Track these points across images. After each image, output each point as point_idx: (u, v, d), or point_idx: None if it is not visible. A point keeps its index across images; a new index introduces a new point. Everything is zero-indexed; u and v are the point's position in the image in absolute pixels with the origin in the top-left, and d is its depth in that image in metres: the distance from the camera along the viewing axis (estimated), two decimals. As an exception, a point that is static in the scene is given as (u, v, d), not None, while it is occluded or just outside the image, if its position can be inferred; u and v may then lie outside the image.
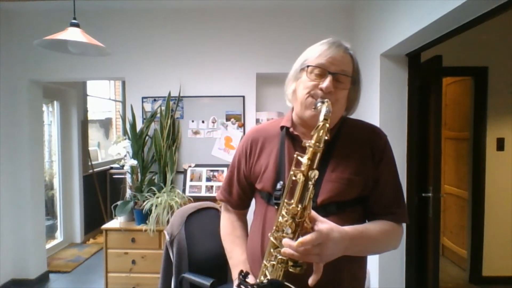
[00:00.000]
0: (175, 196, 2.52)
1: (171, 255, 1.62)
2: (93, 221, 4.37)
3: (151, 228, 2.41)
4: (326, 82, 0.87)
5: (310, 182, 0.74)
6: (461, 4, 1.35)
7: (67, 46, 1.92)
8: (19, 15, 2.93)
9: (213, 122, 2.96)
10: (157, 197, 2.49)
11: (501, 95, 3.00)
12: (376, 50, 2.28)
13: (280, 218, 0.78)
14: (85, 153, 4.33)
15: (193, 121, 2.97)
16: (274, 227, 0.80)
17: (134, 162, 2.65)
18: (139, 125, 2.89)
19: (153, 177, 2.83)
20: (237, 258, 1.01)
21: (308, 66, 0.91)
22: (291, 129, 0.96)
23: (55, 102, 3.97)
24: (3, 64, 2.95)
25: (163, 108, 2.88)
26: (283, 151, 0.95)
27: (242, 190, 1.07)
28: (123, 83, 4.45)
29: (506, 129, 3.03)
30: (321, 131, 0.76)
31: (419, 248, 2.23)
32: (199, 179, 2.90)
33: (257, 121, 2.94)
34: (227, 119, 2.95)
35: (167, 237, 1.64)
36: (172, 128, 2.88)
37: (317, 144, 0.75)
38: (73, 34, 1.76)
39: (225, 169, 2.91)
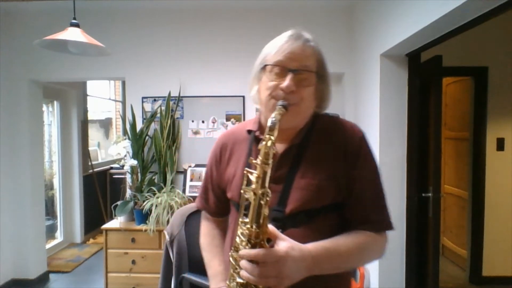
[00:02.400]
0: (175, 196, 2.52)
1: (171, 255, 1.62)
2: (93, 221, 4.37)
3: (151, 228, 2.41)
4: (286, 81, 0.80)
5: (262, 202, 0.68)
6: (461, 4, 1.35)
7: (67, 46, 1.92)
8: (19, 15, 2.93)
9: (213, 122, 2.96)
10: (157, 197, 2.49)
11: (501, 95, 3.00)
12: (376, 50, 2.28)
13: (237, 238, 0.73)
14: (85, 153, 4.33)
15: (193, 121, 2.97)
16: (232, 247, 0.75)
17: (134, 162, 2.65)
18: (139, 125, 2.89)
19: (153, 177, 2.83)
20: (214, 269, 0.96)
21: (266, 66, 0.84)
22: (257, 133, 0.90)
23: (55, 102, 3.97)
24: (3, 64, 2.95)
25: (163, 108, 2.88)
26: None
27: (217, 198, 1.00)
28: (123, 83, 4.45)
29: (506, 129, 3.02)
30: (267, 146, 0.69)
31: (419, 248, 2.23)
32: (199, 179, 2.90)
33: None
34: (227, 119, 2.95)
35: (167, 237, 1.64)
36: (172, 128, 2.88)
37: (264, 161, 0.68)
38: (73, 34, 1.76)
39: (225, 169, 2.91)
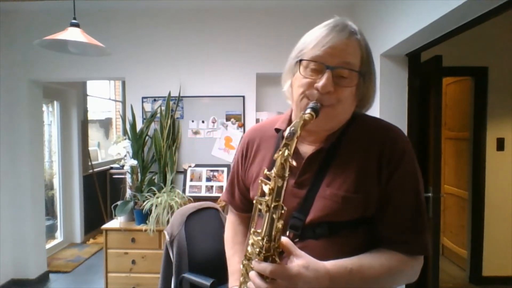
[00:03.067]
0: (175, 196, 2.52)
1: (171, 255, 1.62)
2: (93, 221, 4.37)
3: (151, 228, 2.41)
4: (322, 80, 0.70)
5: (274, 216, 0.63)
6: (461, 4, 1.36)
7: (67, 46, 1.92)
8: (19, 15, 2.93)
9: (213, 122, 2.96)
10: (157, 197, 2.49)
11: (501, 95, 3.00)
12: (376, 50, 2.28)
13: (249, 247, 0.68)
14: (85, 153, 4.33)
15: (193, 121, 2.97)
16: (244, 255, 0.72)
17: (134, 162, 2.65)
18: (139, 125, 2.89)
19: (153, 177, 2.83)
20: (234, 266, 0.92)
21: (301, 60, 0.74)
22: (284, 133, 0.80)
23: (55, 102, 3.97)
24: (3, 64, 2.95)
25: (163, 108, 2.88)
26: None
27: (242, 194, 0.96)
28: (123, 83, 4.45)
29: (506, 129, 3.02)
30: (283, 159, 0.62)
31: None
32: (199, 179, 2.90)
33: (257, 121, 2.94)
34: (227, 119, 2.95)
35: (167, 237, 1.64)
36: (172, 128, 2.88)
37: (279, 174, 0.62)
38: (73, 34, 1.76)
39: (225, 169, 2.91)
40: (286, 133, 0.64)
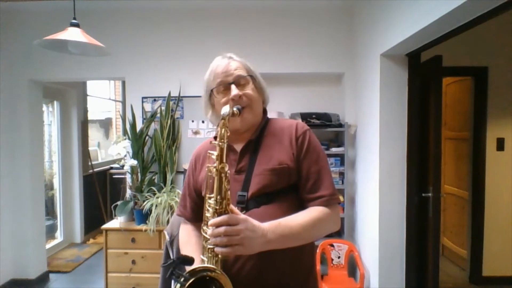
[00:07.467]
0: (175, 196, 2.52)
1: (171, 255, 1.62)
2: (93, 221, 4.38)
3: (151, 228, 2.41)
4: (232, 92, 1.00)
5: (223, 175, 0.83)
6: (461, 4, 1.36)
7: (67, 46, 1.92)
8: (19, 15, 2.94)
9: (213, 122, 2.96)
10: (157, 197, 2.49)
11: (501, 95, 3.00)
12: (376, 50, 2.28)
13: (206, 212, 0.87)
14: (85, 153, 4.33)
15: (193, 121, 2.97)
16: (203, 222, 0.89)
17: (134, 162, 2.65)
18: (139, 125, 2.89)
19: (153, 177, 2.83)
20: (189, 252, 1.04)
21: (212, 90, 1.05)
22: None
23: (55, 102, 3.97)
24: (3, 64, 2.95)
25: (163, 108, 2.88)
26: None
27: (194, 203, 1.13)
28: (123, 83, 4.45)
29: (506, 129, 3.02)
30: (222, 129, 0.85)
31: (419, 248, 2.23)
32: (199, 179, 2.90)
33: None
34: (227, 119, 2.94)
35: (167, 237, 1.63)
36: (172, 128, 2.88)
37: (221, 140, 0.85)
38: (73, 34, 1.76)
39: (225, 169, 2.91)
40: (222, 113, 0.87)
